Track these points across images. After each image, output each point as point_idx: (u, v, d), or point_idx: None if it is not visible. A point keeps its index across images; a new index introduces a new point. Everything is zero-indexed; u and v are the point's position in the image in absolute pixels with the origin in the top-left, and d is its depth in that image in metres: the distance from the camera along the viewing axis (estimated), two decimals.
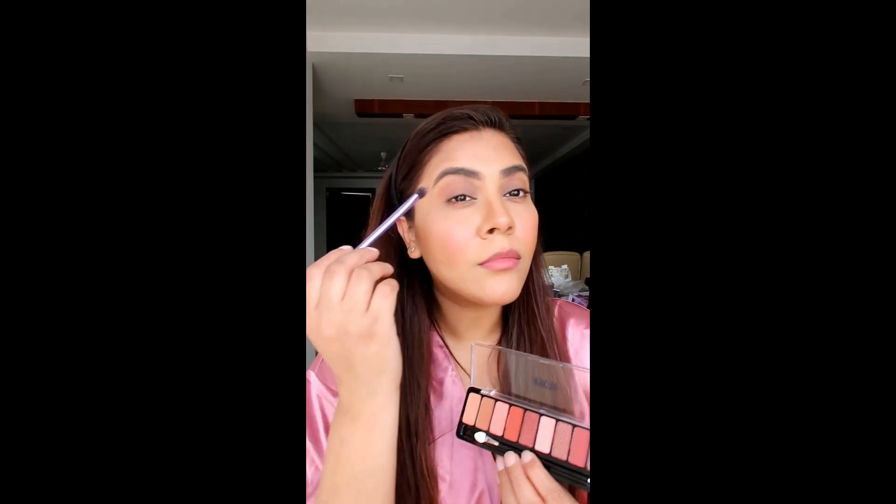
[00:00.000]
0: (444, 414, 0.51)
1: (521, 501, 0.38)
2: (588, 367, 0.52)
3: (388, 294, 0.36)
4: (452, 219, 0.45)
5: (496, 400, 0.45)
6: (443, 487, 0.48)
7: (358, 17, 2.82)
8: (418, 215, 0.48)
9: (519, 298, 0.48)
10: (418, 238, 0.49)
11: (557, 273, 3.32)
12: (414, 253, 0.50)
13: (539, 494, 0.38)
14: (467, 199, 0.45)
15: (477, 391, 0.46)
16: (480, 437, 0.43)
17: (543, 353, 0.50)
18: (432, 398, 0.51)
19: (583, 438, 0.40)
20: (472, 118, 0.47)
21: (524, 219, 0.46)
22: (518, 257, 0.45)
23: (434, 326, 0.54)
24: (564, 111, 4.11)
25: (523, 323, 0.53)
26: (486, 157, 0.46)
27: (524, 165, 0.48)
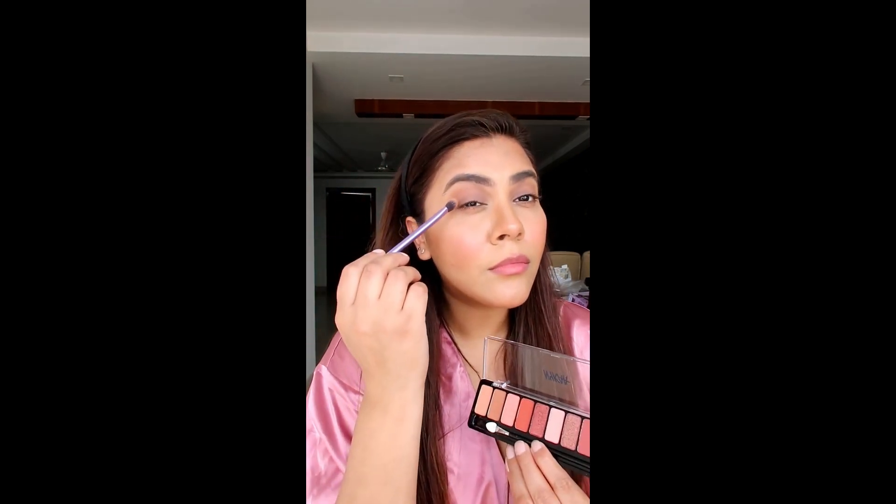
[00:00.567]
0: (454, 410, 0.52)
1: (531, 488, 0.39)
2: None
3: (421, 294, 0.38)
4: (464, 224, 0.46)
5: (507, 392, 0.46)
6: (451, 480, 0.49)
7: (358, 17, 2.82)
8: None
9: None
10: (429, 241, 0.50)
11: (557, 273, 3.31)
12: (424, 255, 0.51)
13: (548, 482, 0.39)
14: (478, 204, 0.46)
15: (489, 383, 0.48)
16: (492, 427, 0.45)
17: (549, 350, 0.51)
18: (441, 394, 0.52)
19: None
20: (482, 125, 0.48)
21: (533, 224, 0.47)
22: (527, 262, 0.46)
23: (443, 324, 0.56)
24: (564, 111, 4.11)
25: (530, 321, 0.54)
26: (496, 163, 0.47)
27: (534, 170, 0.49)
